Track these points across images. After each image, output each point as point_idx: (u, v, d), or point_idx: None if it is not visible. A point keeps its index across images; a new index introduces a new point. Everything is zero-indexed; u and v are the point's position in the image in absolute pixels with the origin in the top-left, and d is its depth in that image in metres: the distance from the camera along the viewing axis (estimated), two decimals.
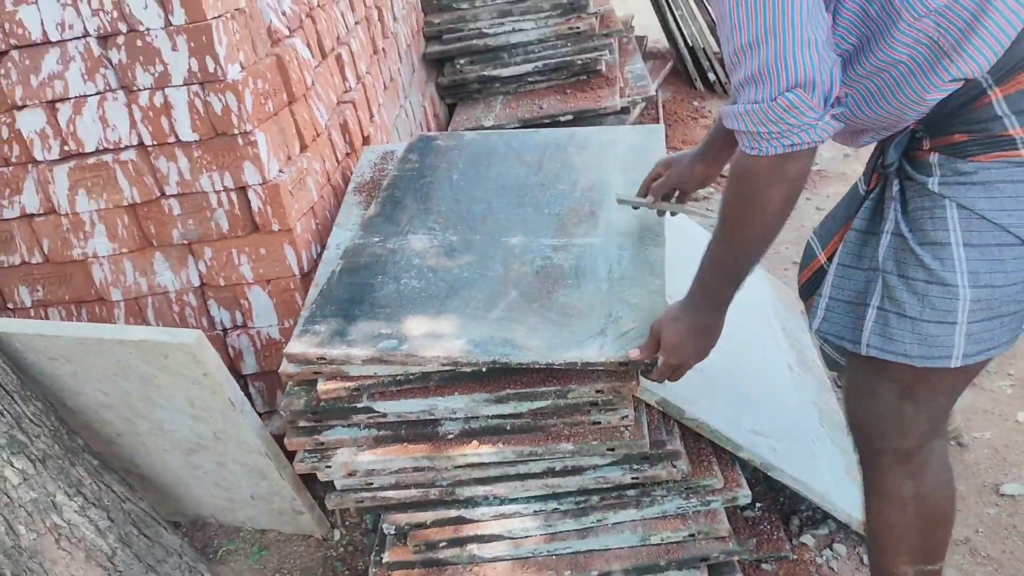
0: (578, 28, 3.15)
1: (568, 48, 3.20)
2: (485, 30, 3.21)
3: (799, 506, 1.87)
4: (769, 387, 1.92)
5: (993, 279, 1.13)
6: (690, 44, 4.21)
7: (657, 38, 4.51)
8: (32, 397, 1.58)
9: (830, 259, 1.33)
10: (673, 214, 1.70)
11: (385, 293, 1.62)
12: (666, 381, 1.43)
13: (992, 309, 1.15)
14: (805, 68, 1.04)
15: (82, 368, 1.61)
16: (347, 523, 1.94)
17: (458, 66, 3.26)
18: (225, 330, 2.00)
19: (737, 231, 1.19)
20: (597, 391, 1.48)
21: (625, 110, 3.18)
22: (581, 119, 3.04)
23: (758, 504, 1.84)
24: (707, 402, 1.66)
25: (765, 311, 2.26)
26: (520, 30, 3.19)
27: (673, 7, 4.10)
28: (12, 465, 1.46)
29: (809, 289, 1.41)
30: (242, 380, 2.01)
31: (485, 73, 3.24)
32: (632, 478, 1.56)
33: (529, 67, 3.21)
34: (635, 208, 1.72)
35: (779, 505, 1.87)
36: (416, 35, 3.21)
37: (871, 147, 1.32)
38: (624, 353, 1.40)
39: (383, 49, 2.73)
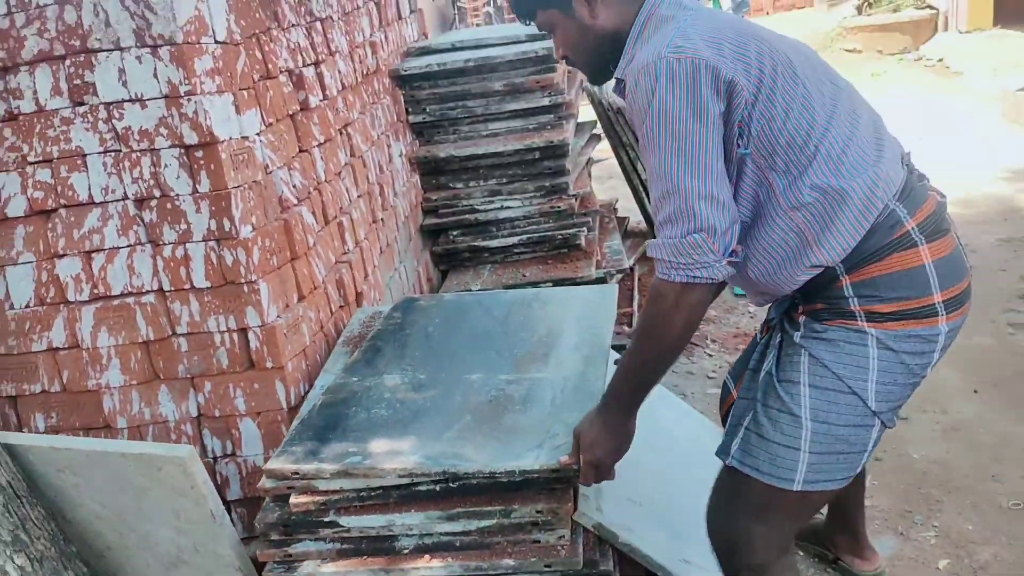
0: (559, 207, 3.54)
1: (550, 224, 3.58)
2: (477, 207, 3.60)
3: None
4: (699, 514, 2.08)
5: (828, 417, 1.39)
6: None
7: (639, 220, 4.94)
8: (37, 504, 1.78)
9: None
10: None
11: (357, 421, 1.85)
12: (600, 507, 1.64)
13: (829, 444, 1.40)
14: (707, 218, 1.31)
15: (85, 480, 1.81)
16: None
17: (451, 237, 3.63)
18: (215, 458, 2.20)
19: (646, 345, 1.43)
20: (537, 511, 1.68)
21: (601, 280, 3.50)
22: (560, 287, 3.35)
23: None
24: (642, 530, 1.83)
25: (704, 452, 2.44)
26: (508, 207, 3.58)
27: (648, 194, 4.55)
28: (13, 561, 1.64)
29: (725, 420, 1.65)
30: (226, 506, 2.19)
31: (475, 244, 3.60)
32: None
33: (515, 240, 3.57)
34: None
35: None
36: (415, 208, 3.60)
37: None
38: (556, 461, 1.61)
39: (381, 219, 3.09)
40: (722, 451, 1.52)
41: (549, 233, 3.55)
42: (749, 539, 1.49)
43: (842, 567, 2.17)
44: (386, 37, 3.53)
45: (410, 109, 3.63)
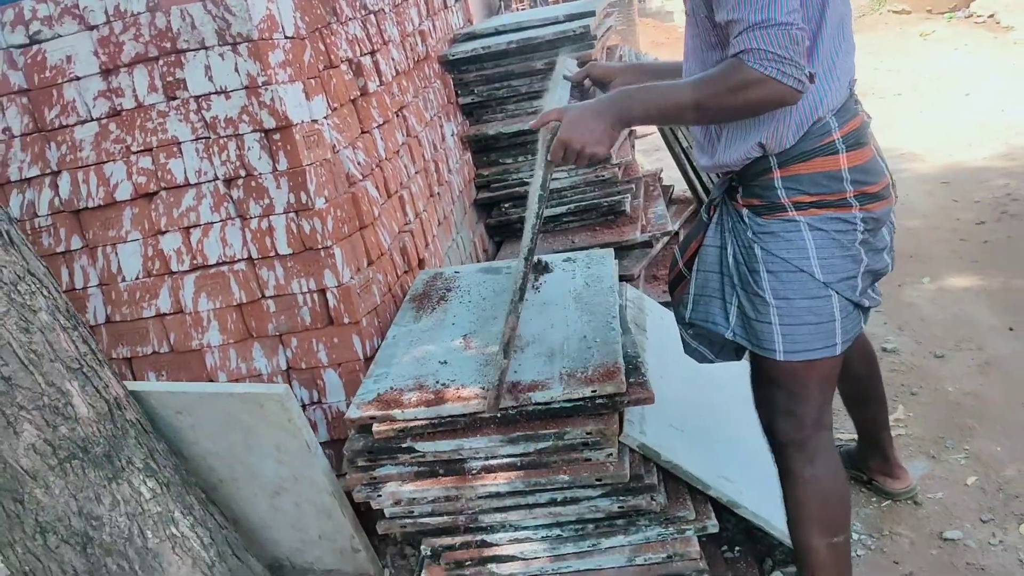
0: (603, 176, 3.74)
1: (596, 192, 3.78)
2: (526, 180, 3.83)
3: (773, 552, 2.18)
4: (741, 444, 2.29)
5: (788, 294, 1.64)
6: (708, 190, 4.77)
7: (684, 188, 5.11)
8: (161, 439, 2.08)
9: (688, 266, 1.82)
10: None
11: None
12: (644, 430, 1.87)
13: (795, 317, 1.64)
14: (802, 33, 1.42)
15: (199, 420, 2.12)
16: (396, 564, 2.33)
17: (503, 209, 3.88)
18: (304, 405, 2.49)
19: (692, 97, 1.52)
20: (587, 433, 1.91)
21: (647, 243, 3.70)
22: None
23: (737, 548, 2.18)
24: (683, 449, 2.06)
25: (743, 387, 2.65)
26: (555, 179, 3.79)
27: (692, 160, 4.72)
28: (146, 484, 1.94)
29: (674, 285, 1.91)
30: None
31: (525, 215, 3.83)
32: (618, 507, 1.95)
33: (563, 209, 3.79)
34: (569, 79, 2.06)
35: (755, 549, 2.19)
36: (468, 184, 3.85)
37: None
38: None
39: (438, 193, 3.35)
40: (715, 322, 1.77)
41: (595, 201, 3.77)
42: (773, 412, 1.76)
43: (876, 487, 2.36)
44: (434, 25, 3.78)
45: (459, 91, 3.88)
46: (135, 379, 2.55)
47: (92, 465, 1.84)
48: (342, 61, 2.66)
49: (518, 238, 3.89)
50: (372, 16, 2.97)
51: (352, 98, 2.70)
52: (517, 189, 3.84)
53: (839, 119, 1.60)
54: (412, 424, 1.97)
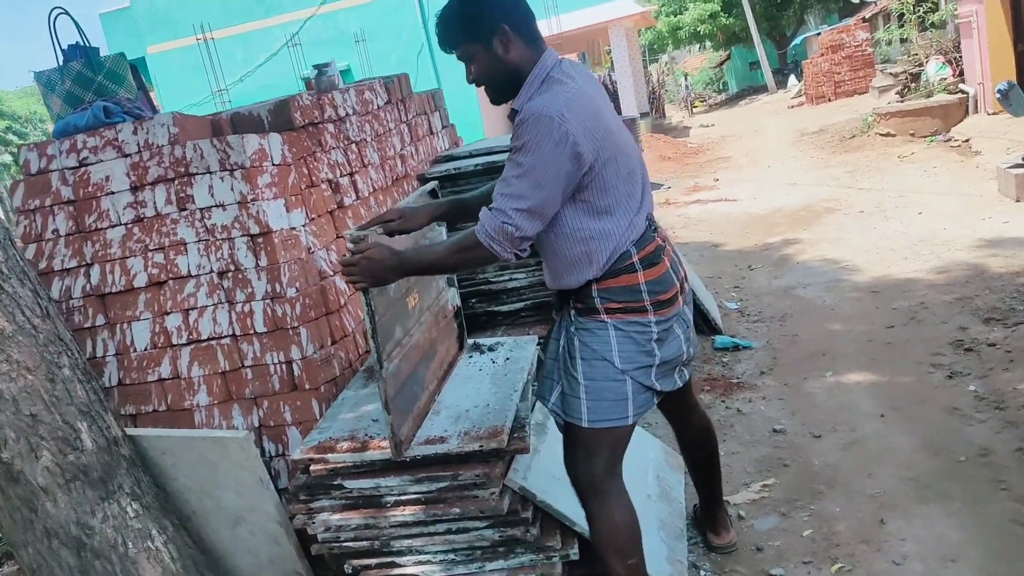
0: None
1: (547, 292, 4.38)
2: (490, 279, 4.45)
3: None
4: None
5: (594, 376, 2.18)
6: None
7: None
8: (147, 473, 2.65)
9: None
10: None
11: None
12: (526, 476, 2.41)
13: (597, 394, 2.17)
14: (523, 224, 1.99)
15: (179, 460, 2.68)
16: None
17: (470, 304, 4.49)
18: (271, 456, 3.05)
19: (442, 258, 2.13)
20: (476, 475, 2.44)
21: None
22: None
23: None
24: (558, 494, 2.56)
25: (647, 460, 3.15)
26: (515, 279, 4.41)
27: None
28: (131, 505, 2.50)
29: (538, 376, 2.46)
30: (278, 492, 3.02)
31: (489, 309, 4.44)
32: (499, 536, 2.45)
33: (521, 305, 4.39)
34: (358, 235, 2.33)
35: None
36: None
37: None
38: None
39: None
40: (542, 398, 2.34)
41: (547, 299, 4.36)
42: (575, 465, 2.27)
43: (704, 539, 2.84)
44: (416, 149, 4.50)
45: None
46: None
47: (90, 486, 2.41)
48: (323, 181, 3.34)
49: (484, 328, 4.50)
50: (354, 145, 3.67)
51: (330, 210, 3.36)
52: (483, 287, 4.45)
53: (637, 246, 2.15)
54: (341, 466, 2.51)
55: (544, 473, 2.64)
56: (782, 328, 4.80)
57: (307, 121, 3.31)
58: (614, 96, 18.55)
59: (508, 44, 2.07)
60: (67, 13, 3.31)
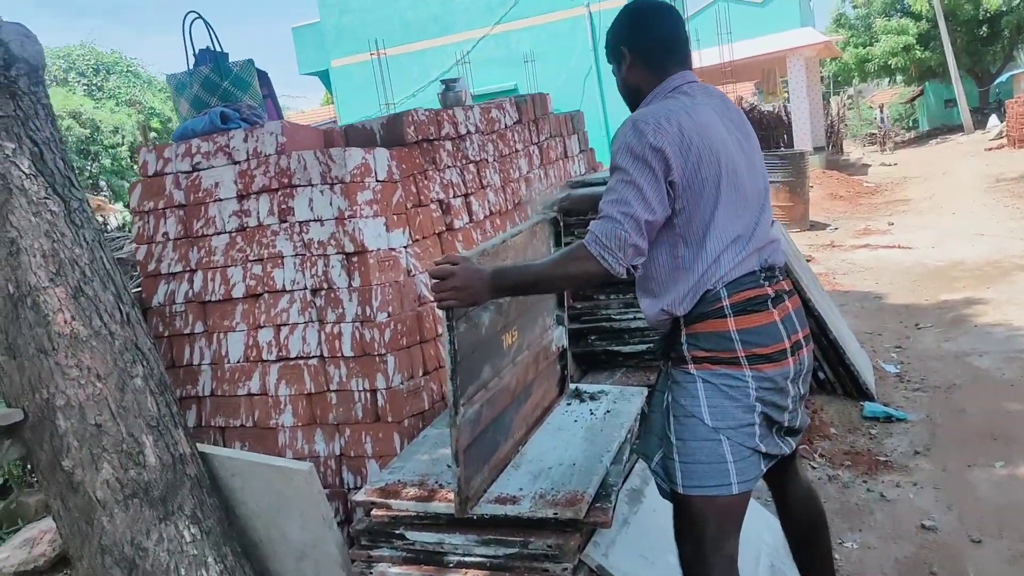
0: None
1: None
2: (613, 316, 4.13)
3: None
4: None
5: (684, 435, 1.89)
6: None
7: None
8: (213, 494, 2.53)
9: None
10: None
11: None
12: (607, 553, 2.10)
13: (689, 456, 1.85)
14: (632, 232, 1.79)
15: (247, 484, 2.55)
16: None
17: (590, 340, 4.18)
18: (349, 488, 2.88)
19: (546, 274, 1.93)
20: (548, 545, 2.14)
21: None
22: None
23: None
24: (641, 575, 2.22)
25: (759, 542, 2.72)
26: (639, 318, 4.06)
27: None
28: (189, 529, 2.38)
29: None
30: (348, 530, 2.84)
31: (610, 348, 4.11)
32: None
33: (644, 347, 4.03)
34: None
35: None
36: None
37: None
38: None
39: None
40: (645, 457, 2.08)
41: None
42: (680, 538, 1.99)
43: None
44: (546, 172, 4.26)
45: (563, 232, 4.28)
46: (225, 445, 3.06)
47: (149, 505, 2.31)
48: (432, 201, 3.16)
49: (602, 369, 4.18)
50: (472, 165, 3.48)
51: (438, 231, 3.17)
52: (604, 324, 4.14)
53: (730, 289, 1.86)
54: (403, 514, 2.28)
55: (631, 550, 2.30)
56: (947, 401, 4.16)
57: (421, 137, 3.14)
58: (788, 128, 17.65)
59: (628, 66, 2.09)
60: (201, 17, 3.32)
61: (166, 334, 3.11)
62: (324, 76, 19.24)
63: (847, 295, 6.68)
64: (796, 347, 1.91)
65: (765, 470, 1.95)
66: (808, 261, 8.18)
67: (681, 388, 1.89)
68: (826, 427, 3.92)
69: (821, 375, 4.43)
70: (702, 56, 17.28)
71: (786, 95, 19.33)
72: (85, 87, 20.43)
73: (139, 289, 3.19)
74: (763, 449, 1.89)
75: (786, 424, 1.93)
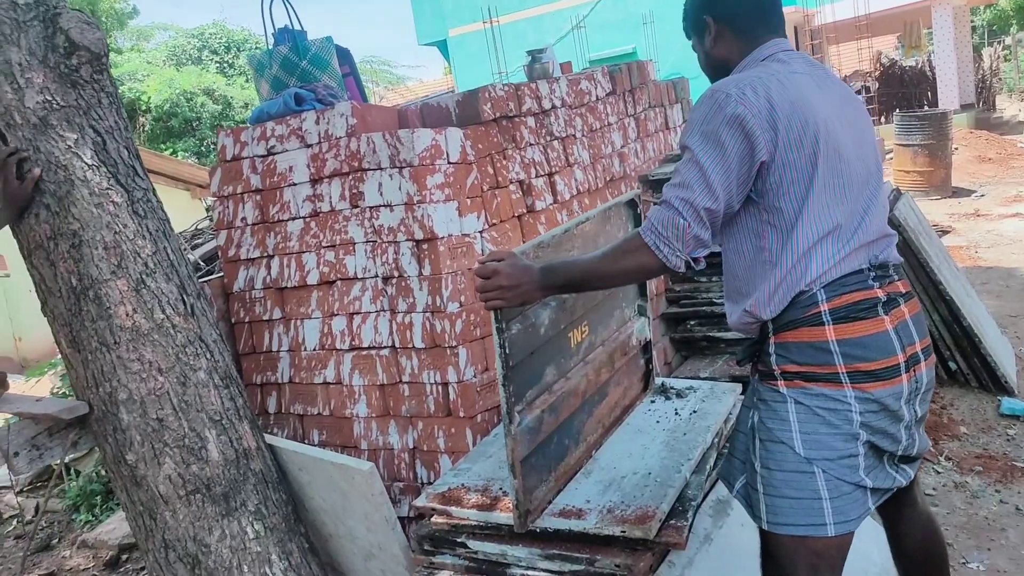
0: None
1: None
2: (715, 300, 3.84)
3: None
4: None
5: (769, 463, 1.63)
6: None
7: None
8: (281, 489, 2.48)
9: None
10: None
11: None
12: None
13: (775, 488, 1.59)
14: (695, 222, 1.59)
15: (314, 479, 2.48)
16: None
17: (688, 326, 3.91)
18: (422, 483, 2.78)
19: (597, 267, 1.72)
20: (616, 565, 1.96)
21: None
22: None
23: None
24: None
25: (863, 562, 2.42)
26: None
27: None
28: (253, 525, 2.33)
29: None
30: None
31: (711, 334, 3.83)
32: None
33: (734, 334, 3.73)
34: None
35: None
36: (656, 297, 3.94)
37: None
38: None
39: None
40: (726, 482, 1.83)
41: None
42: None
43: None
44: (642, 147, 3.99)
45: None
46: (304, 433, 3.03)
47: (211, 501, 2.27)
48: (512, 182, 2.98)
49: (704, 355, 3.92)
50: (557, 141, 3.26)
51: (518, 214, 2.99)
52: (704, 308, 3.86)
53: (828, 291, 1.58)
54: (463, 523, 2.15)
55: (712, 571, 2.08)
56: None
57: (499, 114, 2.95)
58: (932, 85, 16.32)
59: (713, 37, 1.84)
60: None
61: (247, 320, 3.09)
62: (443, 46, 19.25)
63: (990, 272, 6.04)
64: (912, 361, 1.61)
65: (873, 507, 1.67)
66: (947, 233, 7.48)
67: (768, 408, 1.63)
68: (955, 425, 3.51)
69: (952, 365, 3.98)
70: (835, 9, 16.18)
71: (931, 48, 17.85)
72: (217, 64, 21.33)
73: (221, 274, 3.18)
74: (869, 484, 1.61)
75: (900, 453, 1.66)
